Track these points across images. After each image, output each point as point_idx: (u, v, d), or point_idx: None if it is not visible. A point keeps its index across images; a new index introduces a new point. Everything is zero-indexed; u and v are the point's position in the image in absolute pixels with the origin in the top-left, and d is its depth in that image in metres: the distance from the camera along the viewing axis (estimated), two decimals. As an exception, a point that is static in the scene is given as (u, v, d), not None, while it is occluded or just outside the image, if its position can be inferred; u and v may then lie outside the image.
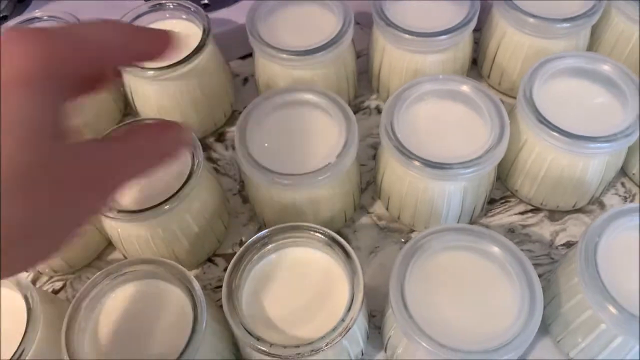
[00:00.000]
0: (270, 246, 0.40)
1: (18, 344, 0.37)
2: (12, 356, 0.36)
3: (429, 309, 0.37)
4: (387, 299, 0.41)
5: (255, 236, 0.40)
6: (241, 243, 0.51)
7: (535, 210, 0.51)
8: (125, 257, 0.48)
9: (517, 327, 0.36)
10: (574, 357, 0.42)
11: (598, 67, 0.46)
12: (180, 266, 0.39)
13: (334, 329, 0.36)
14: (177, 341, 0.36)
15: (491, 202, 0.51)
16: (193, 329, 0.36)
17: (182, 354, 0.35)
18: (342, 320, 0.36)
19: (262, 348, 0.36)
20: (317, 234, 0.40)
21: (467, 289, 0.38)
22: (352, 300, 0.37)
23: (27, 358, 0.37)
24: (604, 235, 0.39)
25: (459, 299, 0.38)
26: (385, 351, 0.43)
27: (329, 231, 0.40)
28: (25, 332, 0.37)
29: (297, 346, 0.36)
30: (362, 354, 0.43)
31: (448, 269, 0.39)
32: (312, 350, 0.35)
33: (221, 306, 0.44)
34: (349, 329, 0.36)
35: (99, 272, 0.39)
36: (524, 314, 0.36)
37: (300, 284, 0.40)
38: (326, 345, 0.35)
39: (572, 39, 0.51)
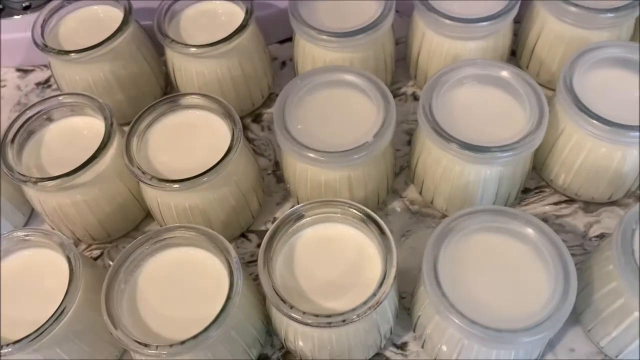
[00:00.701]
0: (305, 220, 0.41)
1: (60, 302, 0.38)
2: (55, 312, 0.38)
3: (461, 288, 0.37)
4: (418, 278, 0.41)
5: (292, 209, 0.41)
6: (274, 221, 0.51)
7: (570, 201, 0.51)
8: (162, 228, 0.49)
9: (550, 308, 0.36)
10: (604, 346, 0.42)
11: (641, 57, 0.46)
12: (218, 234, 0.40)
13: (365, 302, 0.36)
14: (213, 306, 0.37)
15: (525, 191, 0.51)
16: (228, 295, 0.37)
17: (217, 317, 0.36)
18: (374, 294, 0.37)
19: (295, 316, 0.36)
20: (352, 210, 0.40)
21: (500, 269, 0.39)
22: (385, 275, 0.38)
23: (68, 315, 0.38)
24: (641, 223, 0.38)
25: (491, 279, 0.38)
26: (414, 331, 0.44)
27: (364, 208, 0.40)
28: (68, 290, 0.39)
29: (329, 315, 0.36)
30: (391, 333, 0.43)
31: (481, 250, 0.39)
32: (343, 321, 0.36)
33: (254, 279, 0.45)
34: (380, 302, 0.37)
35: (140, 237, 0.40)
36: (557, 296, 0.36)
37: (334, 258, 0.41)
38: (357, 317, 0.36)
39: (615, 30, 0.51)
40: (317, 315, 0.36)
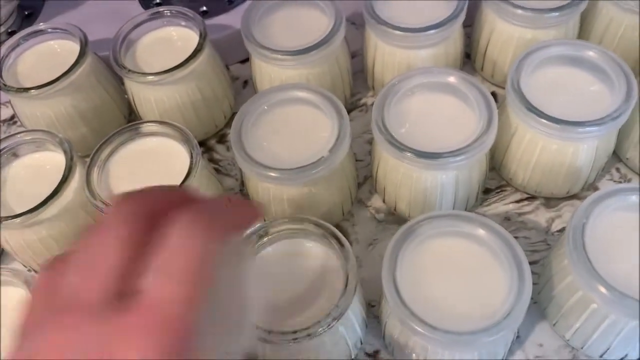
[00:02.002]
0: (267, 238, 0.42)
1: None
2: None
3: (420, 294, 0.38)
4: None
5: (252, 229, 0.41)
6: (243, 240, 0.52)
7: (531, 198, 0.52)
8: (132, 256, 0.50)
9: (507, 307, 0.37)
10: (569, 339, 0.42)
11: (584, 54, 0.47)
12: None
13: (328, 314, 0.37)
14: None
15: (487, 191, 0.52)
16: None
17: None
18: (337, 305, 0.38)
19: (261, 335, 0.37)
20: (312, 225, 0.41)
21: (458, 273, 0.39)
22: (346, 286, 0.38)
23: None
24: (591, 216, 0.39)
25: (450, 283, 0.39)
26: (384, 339, 0.44)
27: (323, 222, 0.41)
28: (35, 326, 0.39)
29: (294, 332, 0.37)
30: (361, 343, 0.44)
31: (439, 255, 0.40)
32: (307, 335, 0.37)
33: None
34: (343, 314, 0.37)
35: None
36: (513, 294, 0.37)
37: (297, 274, 0.41)
38: (322, 330, 0.37)
39: (561, 28, 0.52)
40: (282, 333, 0.37)
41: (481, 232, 0.40)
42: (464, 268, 0.39)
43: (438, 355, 0.38)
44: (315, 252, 0.42)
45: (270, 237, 0.42)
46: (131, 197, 0.26)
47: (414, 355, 0.40)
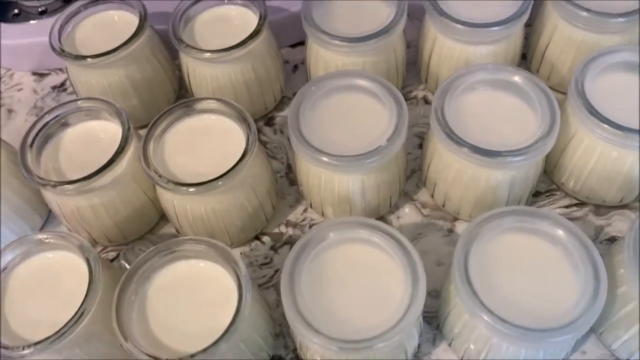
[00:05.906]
0: (329, 240, 0.41)
1: (79, 305, 0.39)
2: (75, 314, 0.38)
3: (490, 287, 0.38)
4: (446, 278, 0.42)
5: (314, 230, 0.41)
6: (287, 223, 0.52)
7: (581, 204, 0.51)
8: (178, 231, 0.50)
9: (581, 308, 0.36)
10: (615, 349, 0.42)
11: (653, 62, 0.46)
12: (227, 247, 0.40)
13: (394, 327, 0.36)
14: (222, 319, 0.37)
15: (536, 194, 0.52)
16: (237, 309, 0.37)
17: (226, 330, 0.36)
18: (402, 319, 0.37)
19: (315, 340, 0.36)
20: (379, 232, 0.40)
21: (529, 269, 0.39)
22: (411, 299, 0.37)
23: (87, 317, 0.39)
24: (654, 227, 0.39)
25: (520, 279, 0.39)
26: (441, 330, 0.44)
27: (391, 230, 0.40)
28: (87, 292, 0.39)
29: (356, 341, 0.36)
30: (418, 350, 0.44)
31: (510, 250, 0.40)
32: (368, 347, 0.36)
33: (262, 284, 0.46)
34: (406, 330, 0.37)
35: (150, 249, 0.41)
36: (587, 296, 0.37)
37: (360, 279, 0.40)
38: (382, 344, 0.36)
39: (626, 34, 0.51)
40: (346, 341, 0.36)
41: (557, 230, 0.39)
42: (536, 265, 0.39)
43: (502, 349, 0.38)
44: (377, 259, 0.40)
45: (332, 239, 0.41)
46: None
47: (473, 347, 0.40)
